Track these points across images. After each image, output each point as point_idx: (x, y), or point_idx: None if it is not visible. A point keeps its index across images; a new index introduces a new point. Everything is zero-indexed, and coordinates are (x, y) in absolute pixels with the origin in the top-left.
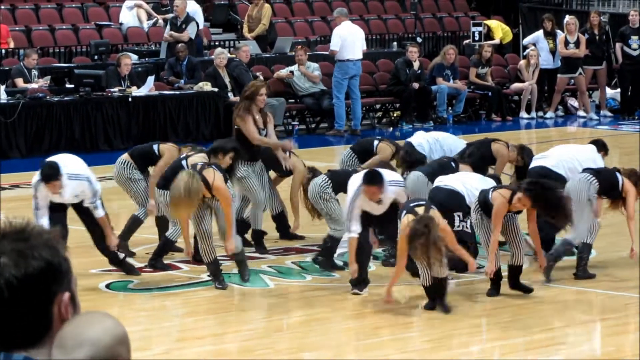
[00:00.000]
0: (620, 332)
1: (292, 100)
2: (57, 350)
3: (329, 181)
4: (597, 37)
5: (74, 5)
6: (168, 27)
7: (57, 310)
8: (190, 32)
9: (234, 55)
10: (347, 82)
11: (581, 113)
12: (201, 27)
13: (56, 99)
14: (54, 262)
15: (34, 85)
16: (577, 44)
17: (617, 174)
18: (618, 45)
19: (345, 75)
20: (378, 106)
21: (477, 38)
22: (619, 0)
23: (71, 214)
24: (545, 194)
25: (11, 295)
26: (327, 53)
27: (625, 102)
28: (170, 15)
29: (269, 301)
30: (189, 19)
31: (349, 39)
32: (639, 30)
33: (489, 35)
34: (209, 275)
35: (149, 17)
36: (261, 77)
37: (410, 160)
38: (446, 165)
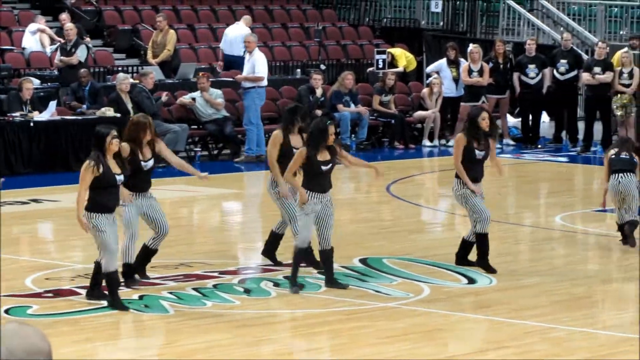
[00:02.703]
0: None
1: (195, 127)
2: None
3: None
4: (501, 66)
5: None
6: (58, 52)
7: None
8: (80, 55)
9: (137, 81)
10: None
11: None
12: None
13: None
14: None
15: None
16: (480, 72)
17: (634, 159)
18: (515, 75)
19: (262, 101)
20: None
21: (380, 66)
22: (523, 29)
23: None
24: None
25: None
26: (231, 79)
27: (527, 131)
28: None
29: (168, 327)
30: (78, 43)
31: (265, 66)
32: (535, 58)
33: (392, 63)
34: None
35: (52, 41)
36: (164, 99)
37: None
38: None
